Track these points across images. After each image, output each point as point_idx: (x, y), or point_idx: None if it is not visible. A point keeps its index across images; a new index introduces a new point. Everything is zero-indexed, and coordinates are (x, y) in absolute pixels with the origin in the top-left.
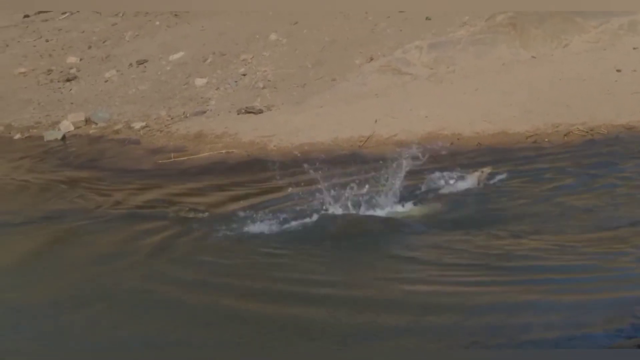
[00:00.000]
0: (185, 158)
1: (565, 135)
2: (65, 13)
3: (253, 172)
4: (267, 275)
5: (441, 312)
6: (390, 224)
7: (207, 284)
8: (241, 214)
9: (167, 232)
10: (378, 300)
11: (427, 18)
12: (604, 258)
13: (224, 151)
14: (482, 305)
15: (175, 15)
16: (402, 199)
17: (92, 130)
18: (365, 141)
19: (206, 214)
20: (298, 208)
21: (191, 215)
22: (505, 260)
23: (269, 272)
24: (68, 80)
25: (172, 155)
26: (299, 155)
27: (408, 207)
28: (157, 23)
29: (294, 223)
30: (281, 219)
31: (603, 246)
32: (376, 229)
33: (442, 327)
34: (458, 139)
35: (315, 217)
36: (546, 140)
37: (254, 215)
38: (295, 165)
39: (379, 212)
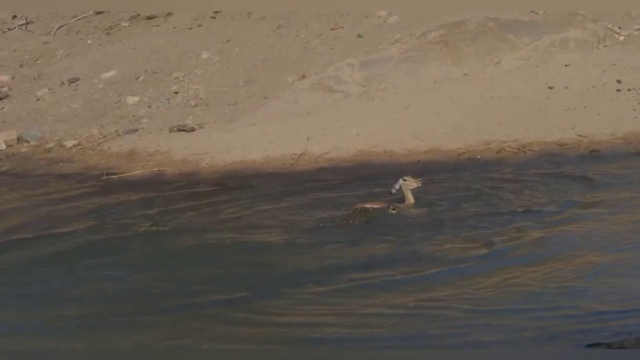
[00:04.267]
0: (117, 176)
1: (497, 152)
2: None
3: None
4: None
5: None
6: None
7: None
8: None
9: None
10: None
11: (359, 36)
12: None
13: (156, 169)
14: None
15: (107, 33)
16: None
17: (24, 149)
18: (297, 159)
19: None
20: None
21: (154, 229)
22: None
23: None
24: (0, 98)
25: (105, 173)
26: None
27: None
28: (89, 41)
29: None
30: None
31: None
32: None
33: None
34: (390, 156)
35: None
36: (478, 157)
37: None
38: None
39: None
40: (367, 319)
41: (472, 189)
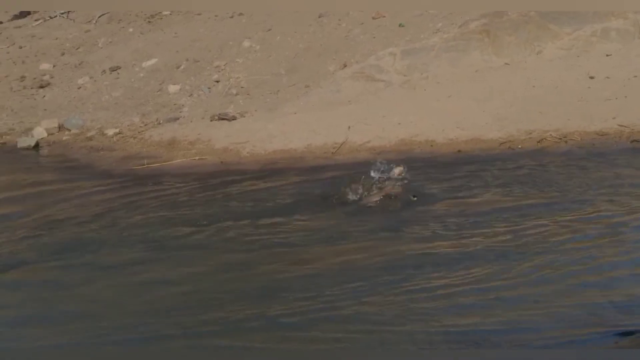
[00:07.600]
0: (158, 165)
1: (538, 142)
2: (38, 20)
3: None
4: None
5: None
6: None
7: None
8: None
9: None
10: None
11: (400, 25)
12: None
13: (197, 158)
14: None
15: (149, 22)
16: None
17: (65, 137)
18: (339, 148)
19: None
20: None
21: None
22: None
23: None
24: (41, 86)
25: (145, 161)
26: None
27: None
28: (131, 30)
29: None
30: None
31: None
32: None
33: None
34: (431, 145)
35: None
36: (519, 147)
37: None
38: None
39: None
40: None
41: (513, 178)
